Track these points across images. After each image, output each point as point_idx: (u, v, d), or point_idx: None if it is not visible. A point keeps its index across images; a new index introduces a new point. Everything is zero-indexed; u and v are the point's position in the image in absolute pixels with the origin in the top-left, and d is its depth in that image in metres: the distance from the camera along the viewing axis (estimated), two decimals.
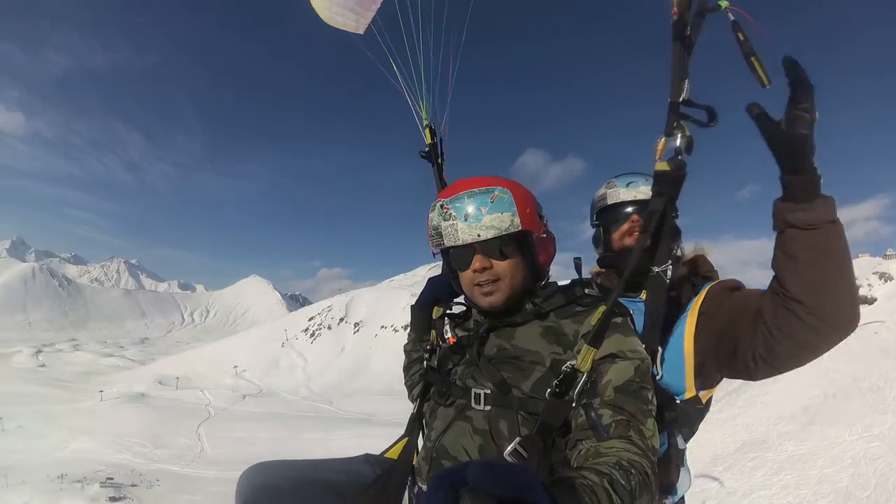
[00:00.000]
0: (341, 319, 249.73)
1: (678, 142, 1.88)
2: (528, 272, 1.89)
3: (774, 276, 1.79)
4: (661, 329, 2.00)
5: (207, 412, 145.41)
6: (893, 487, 8.64)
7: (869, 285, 62.26)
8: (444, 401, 1.92)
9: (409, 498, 2.05)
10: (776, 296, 1.77)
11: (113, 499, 67.33)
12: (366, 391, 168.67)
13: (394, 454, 2.19)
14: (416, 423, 2.15)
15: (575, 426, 1.55)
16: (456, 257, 1.89)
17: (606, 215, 2.46)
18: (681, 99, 1.88)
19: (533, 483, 0.80)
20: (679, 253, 2.36)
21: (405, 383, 2.46)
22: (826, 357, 1.73)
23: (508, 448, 1.62)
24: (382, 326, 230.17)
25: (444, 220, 1.83)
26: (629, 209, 2.39)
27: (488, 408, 1.75)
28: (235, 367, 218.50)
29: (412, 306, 2.45)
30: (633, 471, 1.27)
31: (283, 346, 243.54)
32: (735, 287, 2.14)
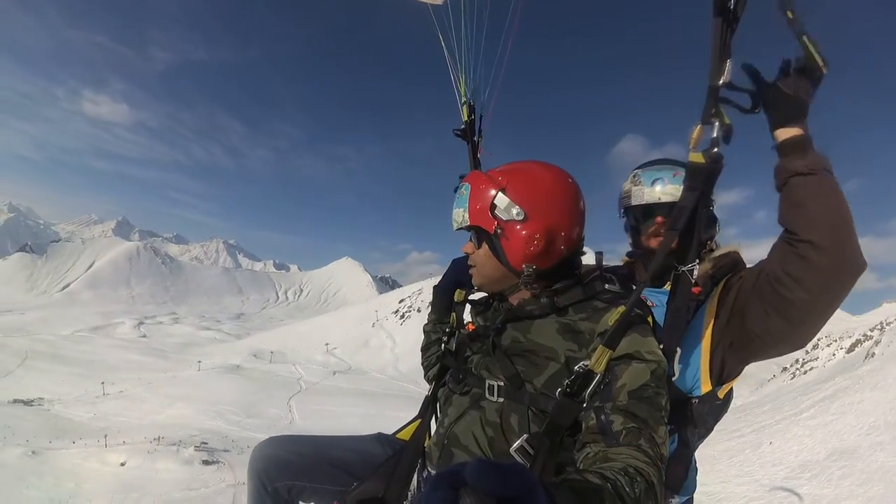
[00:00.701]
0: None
1: (716, 131, 1.76)
2: (499, 264, 1.86)
3: (783, 231, 1.79)
4: (682, 330, 1.94)
5: (299, 386, 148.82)
6: None
7: None
8: (460, 388, 1.89)
9: (418, 481, 2.01)
10: (785, 244, 1.77)
11: (206, 462, 69.19)
12: None
13: (406, 435, 2.22)
14: (430, 406, 2.16)
15: (584, 428, 1.52)
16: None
17: (631, 214, 2.40)
18: (721, 82, 1.75)
19: (532, 483, 0.77)
20: (714, 246, 2.29)
21: (422, 363, 2.45)
22: None
23: (515, 444, 1.62)
24: None
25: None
26: (653, 210, 2.30)
27: (501, 400, 1.73)
28: (327, 344, 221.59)
29: (434, 287, 2.51)
30: (638, 478, 1.25)
31: (373, 326, 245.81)
32: (744, 270, 2.12)
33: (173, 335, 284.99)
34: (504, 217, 1.78)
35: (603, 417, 1.47)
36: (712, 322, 2.02)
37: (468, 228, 1.86)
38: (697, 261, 1.90)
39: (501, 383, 1.73)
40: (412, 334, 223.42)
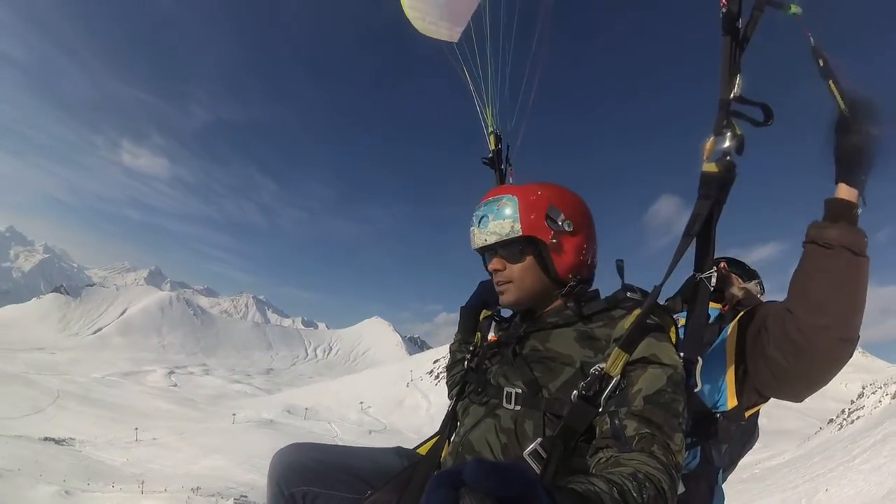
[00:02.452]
0: None
1: (727, 142, 1.83)
2: (543, 275, 1.92)
3: (788, 292, 1.86)
4: (702, 339, 1.92)
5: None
6: None
7: None
8: (479, 399, 1.93)
9: None
10: (783, 312, 1.85)
11: None
12: None
13: (424, 450, 2.26)
14: (449, 422, 2.18)
15: (598, 433, 1.54)
16: (485, 259, 2.08)
17: None
18: (731, 96, 1.83)
19: (532, 483, 0.79)
20: (755, 287, 2.40)
21: (446, 382, 2.48)
22: None
23: (529, 448, 1.62)
24: None
25: (471, 225, 1.99)
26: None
27: (518, 407, 1.76)
28: (361, 402, 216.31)
29: (461, 308, 2.55)
30: (647, 484, 1.24)
31: (407, 386, 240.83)
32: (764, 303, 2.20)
33: (204, 386, 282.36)
34: (556, 228, 1.86)
35: (616, 422, 1.48)
36: (734, 342, 2.08)
37: (514, 241, 1.89)
38: (715, 269, 1.90)
39: (519, 390, 1.77)
40: (446, 395, 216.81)
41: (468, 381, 2.09)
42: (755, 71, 1.80)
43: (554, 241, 1.87)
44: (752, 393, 2.05)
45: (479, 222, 1.93)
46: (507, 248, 1.91)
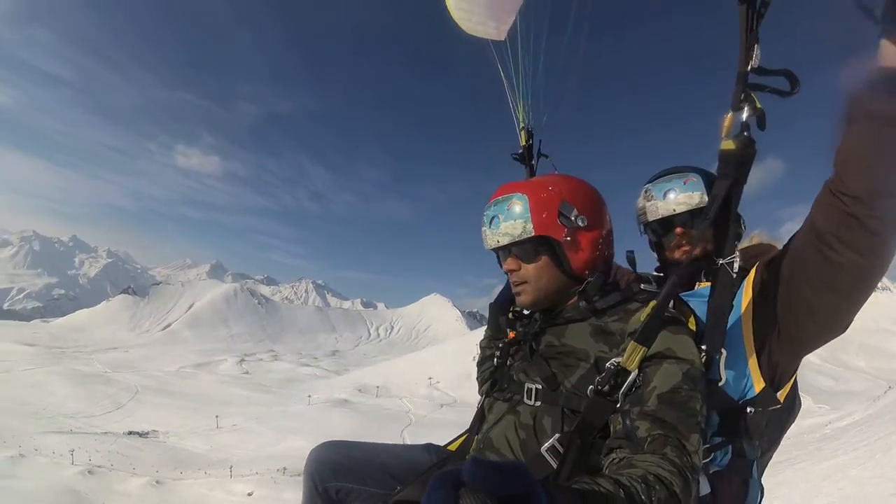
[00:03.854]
0: None
1: (745, 115, 1.72)
2: (559, 273, 1.88)
3: (832, 178, 1.55)
4: (725, 329, 1.82)
5: (409, 418, 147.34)
6: None
7: None
8: (503, 395, 1.93)
9: None
10: (832, 197, 1.55)
11: None
12: None
13: (454, 446, 2.28)
14: (476, 418, 2.19)
15: (612, 432, 1.52)
16: (499, 259, 2.00)
17: (650, 230, 2.37)
18: (749, 68, 1.70)
19: (532, 483, 0.78)
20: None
21: (476, 378, 2.45)
22: None
23: (546, 444, 1.62)
24: None
25: (482, 225, 1.95)
26: (671, 222, 2.25)
27: (538, 403, 1.75)
28: (430, 378, 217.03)
29: (490, 304, 2.51)
30: (657, 486, 1.21)
31: (473, 359, 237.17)
32: (776, 251, 1.96)
33: (274, 371, 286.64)
34: (570, 225, 1.81)
35: (629, 422, 1.46)
36: (751, 314, 1.88)
37: (527, 241, 1.85)
38: (737, 253, 1.85)
39: (539, 386, 1.76)
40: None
41: (496, 377, 2.08)
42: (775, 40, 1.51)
43: (568, 238, 1.83)
44: (786, 358, 1.86)
45: (490, 223, 1.90)
46: (521, 248, 1.88)
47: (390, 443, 2.22)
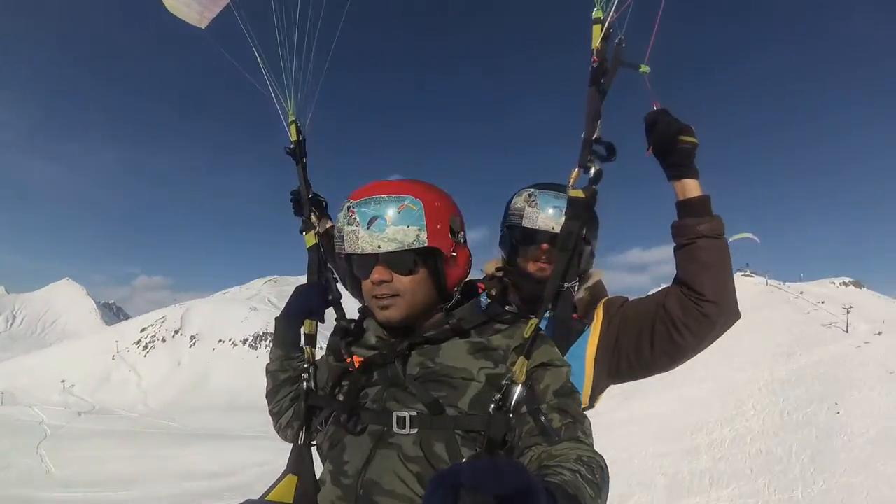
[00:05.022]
0: (176, 331, 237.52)
1: (591, 173, 2.02)
2: (434, 289, 1.75)
3: (682, 284, 2.05)
4: (567, 343, 2.15)
5: (44, 431, 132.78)
6: None
7: None
8: (353, 428, 1.70)
9: None
10: (688, 300, 2.01)
11: None
12: (207, 407, 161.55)
13: (284, 496, 1.92)
14: (305, 457, 1.98)
15: (520, 434, 1.54)
16: (358, 265, 1.75)
17: (518, 232, 2.46)
18: (594, 137, 2.03)
19: (531, 482, 0.79)
20: (589, 273, 2.52)
21: (270, 410, 2.16)
22: None
23: None
24: (220, 340, 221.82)
25: (348, 223, 1.70)
26: (543, 238, 2.37)
27: (415, 430, 1.61)
28: (63, 381, 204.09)
29: (278, 318, 2.18)
30: (593, 465, 1.29)
31: (113, 359, 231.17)
32: (625, 300, 2.37)
33: None
34: (456, 241, 1.77)
35: (542, 418, 1.51)
36: (595, 348, 2.21)
37: (413, 251, 1.67)
38: (577, 280, 2.21)
39: (414, 413, 1.63)
40: (158, 366, 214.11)
41: (316, 405, 1.94)
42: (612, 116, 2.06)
43: (453, 254, 1.75)
44: (605, 385, 2.30)
45: (369, 224, 1.65)
46: (399, 257, 1.67)
47: None
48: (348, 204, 1.72)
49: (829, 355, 40.29)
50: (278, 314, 2.20)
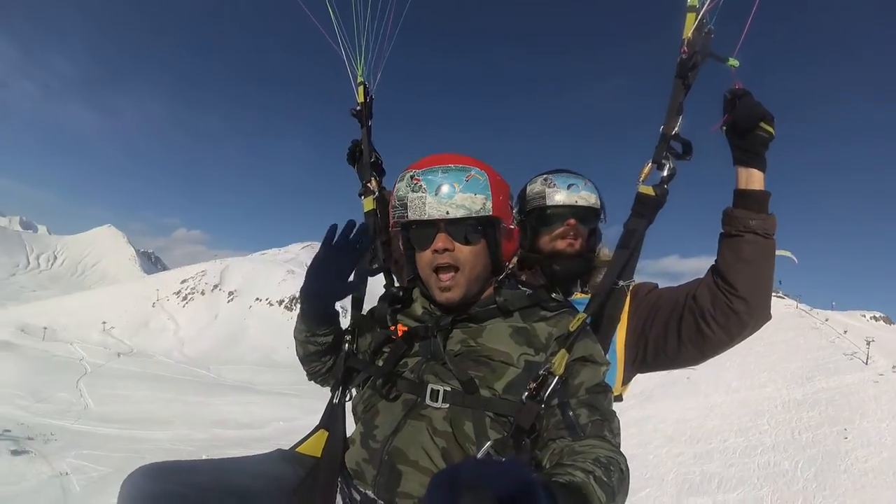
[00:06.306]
0: (215, 286, 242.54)
1: (665, 171, 1.99)
2: (490, 263, 1.79)
3: (717, 274, 1.98)
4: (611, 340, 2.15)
5: (83, 368, 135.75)
6: None
7: None
8: (387, 394, 1.73)
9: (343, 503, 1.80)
10: (720, 292, 1.95)
11: (15, 452, 60.26)
12: (240, 361, 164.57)
13: (313, 450, 1.93)
14: (338, 415, 1.96)
15: (546, 426, 1.54)
16: (417, 234, 1.76)
17: (539, 214, 2.40)
18: (673, 132, 1.98)
19: (531, 481, 0.79)
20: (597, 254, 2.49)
21: (306, 372, 2.19)
22: None
23: (481, 452, 1.50)
24: (257, 299, 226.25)
25: (413, 191, 1.70)
26: (567, 213, 2.35)
27: (446, 405, 1.62)
28: (104, 322, 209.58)
29: (305, 292, 2.00)
30: (611, 467, 1.27)
31: (153, 306, 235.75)
32: (654, 286, 2.34)
33: None
34: (511, 213, 1.83)
35: (570, 413, 1.50)
36: (625, 333, 2.20)
37: (477, 220, 1.70)
38: (632, 280, 2.14)
39: (448, 388, 1.64)
40: (196, 318, 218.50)
41: (354, 367, 1.96)
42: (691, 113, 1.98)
43: (512, 226, 1.80)
44: (632, 375, 2.29)
45: (437, 190, 1.66)
46: (463, 227, 1.70)
47: (229, 457, 1.88)
48: (411, 173, 1.73)
49: (845, 384, 43.53)
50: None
